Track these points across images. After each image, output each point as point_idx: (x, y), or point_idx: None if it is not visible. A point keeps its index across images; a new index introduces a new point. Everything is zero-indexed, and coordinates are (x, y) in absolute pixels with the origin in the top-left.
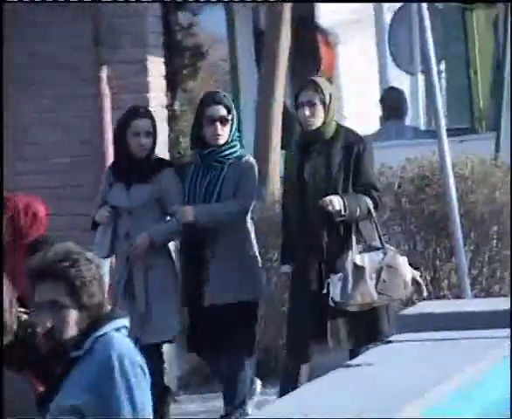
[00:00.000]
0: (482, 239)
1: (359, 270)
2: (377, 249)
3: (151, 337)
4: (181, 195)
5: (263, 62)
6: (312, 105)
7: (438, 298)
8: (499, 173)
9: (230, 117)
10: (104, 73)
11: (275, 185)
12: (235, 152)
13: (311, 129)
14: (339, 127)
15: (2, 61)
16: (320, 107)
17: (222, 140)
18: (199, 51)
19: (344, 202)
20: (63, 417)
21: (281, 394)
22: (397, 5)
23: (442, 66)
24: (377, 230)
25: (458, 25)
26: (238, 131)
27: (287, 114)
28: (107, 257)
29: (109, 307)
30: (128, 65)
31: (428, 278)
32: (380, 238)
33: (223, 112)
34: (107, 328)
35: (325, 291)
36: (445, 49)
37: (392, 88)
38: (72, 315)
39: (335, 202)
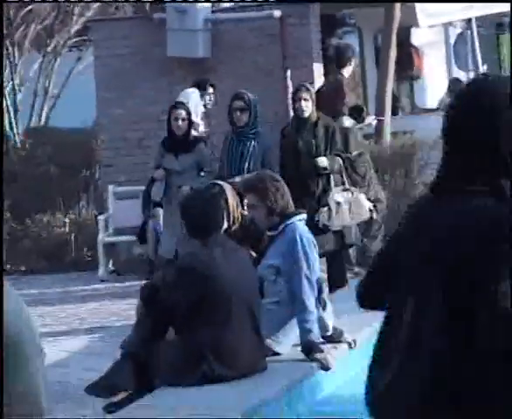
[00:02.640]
0: None
1: (339, 204)
2: (347, 190)
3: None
4: (223, 159)
5: (380, 67)
6: (306, 100)
7: None
8: None
9: (247, 107)
10: (288, 74)
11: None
12: (254, 129)
13: (303, 116)
14: (318, 114)
15: (2, 60)
16: (310, 102)
17: (242, 123)
18: None
19: (328, 161)
20: (266, 271)
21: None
22: (459, 32)
23: (485, 67)
24: (343, 178)
25: (494, 43)
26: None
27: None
28: (160, 200)
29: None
30: (302, 69)
31: None
32: (347, 184)
33: (241, 104)
34: (293, 219)
35: (317, 218)
36: (486, 57)
37: (455, 79)
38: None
39: (324, 161)
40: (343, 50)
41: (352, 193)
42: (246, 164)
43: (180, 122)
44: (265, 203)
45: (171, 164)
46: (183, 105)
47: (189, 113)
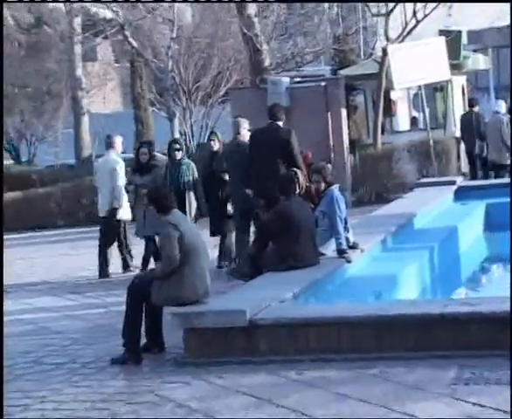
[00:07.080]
0: None
1: None
2: None
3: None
4: (168, 177)
5: (374, 110)
6: (213, 140)
7: None
8: None
9: (180, 148)
10: (328, 114)
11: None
12: (184, 160)
13: (213, 150)
14: (222, 146)
15: (2, 61)
16: (216, 142)
17: (177, 158)
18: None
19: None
20: (318, 214)
21: None
22: (415, 92)
23: (427, 109)
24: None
25: (432, 97)
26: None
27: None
28: (133, 201)
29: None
30: (335, 112)
31: None
32: None
33: (177, 146)
34: (332, 187)
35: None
36: (428, 104)
37: (413, 117)
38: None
39: (226, 175)
40: None
41: None
42: (181, 180)
43: (143, 156)
44: (323, 179)
45: (138, 180)
46: (145, 144)
47: (149, 150)
